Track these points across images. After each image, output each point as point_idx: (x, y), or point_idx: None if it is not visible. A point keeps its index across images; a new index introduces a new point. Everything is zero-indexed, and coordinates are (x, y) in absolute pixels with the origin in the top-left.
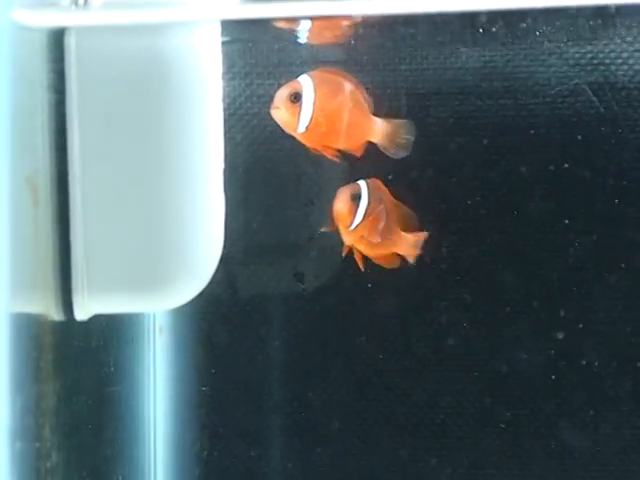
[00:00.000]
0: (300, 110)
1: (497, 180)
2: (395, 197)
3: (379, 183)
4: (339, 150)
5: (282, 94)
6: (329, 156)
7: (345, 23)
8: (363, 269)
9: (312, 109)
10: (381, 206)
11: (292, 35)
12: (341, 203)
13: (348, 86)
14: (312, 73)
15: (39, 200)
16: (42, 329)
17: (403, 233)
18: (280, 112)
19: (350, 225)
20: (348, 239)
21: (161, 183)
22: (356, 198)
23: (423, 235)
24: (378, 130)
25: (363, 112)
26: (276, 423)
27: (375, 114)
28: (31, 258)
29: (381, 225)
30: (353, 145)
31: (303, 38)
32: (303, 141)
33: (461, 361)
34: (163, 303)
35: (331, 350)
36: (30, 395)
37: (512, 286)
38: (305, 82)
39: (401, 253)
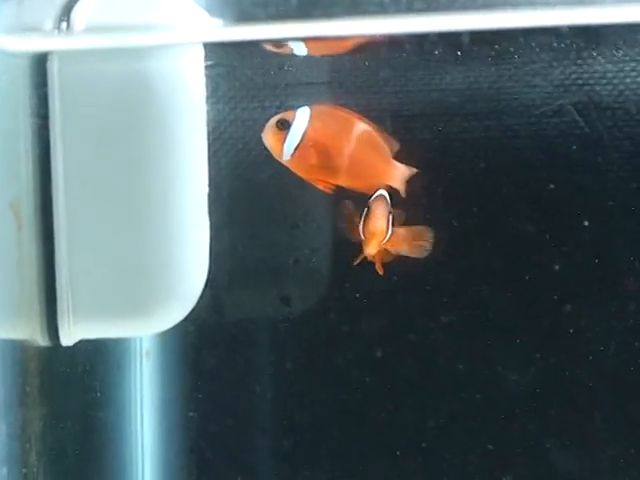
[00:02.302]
0: (285, 137)
1: (482, 201)
2: None
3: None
4: (341, 187)
5: (272, 120)
6: (320, 187)
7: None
8: (382, 273)
9: (301, 138)
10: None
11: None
12: (381, 220)
13: (360, 126)
14: (316, 106)
15: (23, 225)
16: (27, 354)
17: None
18: (266, 136)
19: (384, 238)
20: (374, 250)
21: (146, 207)
22: (388, 212)
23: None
24: (398, 176)
25: (378, 155)
26: (264, 447)
27: (397, 159)
28: (15, 283)
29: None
30: (362, 185)
31: (301, 51)
32: (291, 168)
33: (449, 382)
34: (149, 327)
35: (319, 373)
36: (16, 421)
37: (499, 307)
38: (301, 112)
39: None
